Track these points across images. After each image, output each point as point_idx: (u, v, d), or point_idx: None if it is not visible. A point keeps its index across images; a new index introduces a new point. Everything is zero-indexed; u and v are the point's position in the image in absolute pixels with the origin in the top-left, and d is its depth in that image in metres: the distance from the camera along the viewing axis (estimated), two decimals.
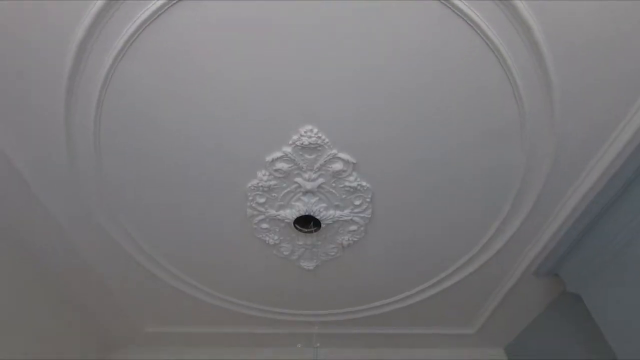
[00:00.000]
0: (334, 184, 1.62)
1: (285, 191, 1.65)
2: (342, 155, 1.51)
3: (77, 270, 2.13)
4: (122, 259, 2.04)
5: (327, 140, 1.45)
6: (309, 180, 1.59)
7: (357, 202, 1.71)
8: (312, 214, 1.71)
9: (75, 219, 1.80)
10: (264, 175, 1.59)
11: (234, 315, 2.54)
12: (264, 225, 1.83)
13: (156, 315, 2.61)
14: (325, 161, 1.52)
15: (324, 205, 1.71)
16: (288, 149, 1.49)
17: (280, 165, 1.54)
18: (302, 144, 1.45)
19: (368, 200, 1.70)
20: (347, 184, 1.62)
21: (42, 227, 1.84)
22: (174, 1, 1.10)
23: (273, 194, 1.67)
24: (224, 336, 2.78)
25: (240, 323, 2.65)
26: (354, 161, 1.53)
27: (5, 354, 1.89)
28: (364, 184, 1.63)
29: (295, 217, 1.72)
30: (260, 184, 1.62)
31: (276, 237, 1.90)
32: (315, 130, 1.43)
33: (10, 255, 1.90)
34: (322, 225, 1.78)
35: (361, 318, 2.57)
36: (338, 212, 1.75)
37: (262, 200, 1.69)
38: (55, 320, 2.28)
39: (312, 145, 1.45)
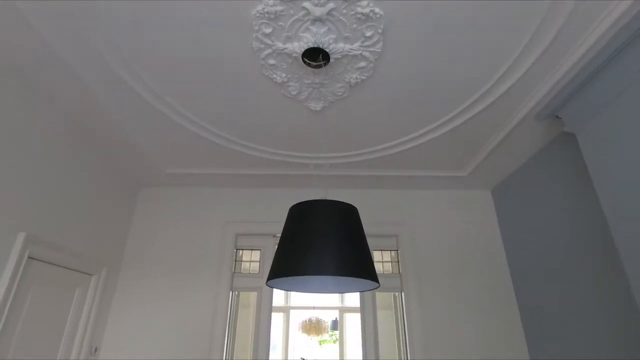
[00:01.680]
0: (344, 10, 1.51)
1: (293, 19, 1.55)
2: None
3: (98, 117, 2.22)
4: (135, 101, 2.08)
5: None
6: (317, 4, 1.48)
7: (368, 34, 1.62)
8: (320, 45, 1.64)
9: (88, 64, 1.78)
10: None
11: (246, 157, 2.74)
12: (271, 61, 1.80)
13: (175, 158, 2.82)
14: None
15: (333, 36, 1.63)
16: None
17: None
18: None
19: (380, 31, 1.61)
20: (359, 9, 1.50)
21: (63, 80, 1.90)
22: None
23: (280, 23, 1.58)
24: (236, 177, 3.07)
25: (251, 165, 2.88)
26: None
27: (46, 200, 2.12)
28: (376, 10, 1.51)
29: (303, 49, 1.67)
30: (266, 10, 1.51)
31: (284, 75, 1.89)
32: None
33: (33, 107, 1.94)
34: (331, 60, 1.74)
35: (364, 161, 2.77)
36: (347, 46, 1.69)
37: (269, 30, 1.61)
38: (86, 165, 2.48)
39: None
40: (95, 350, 2.67)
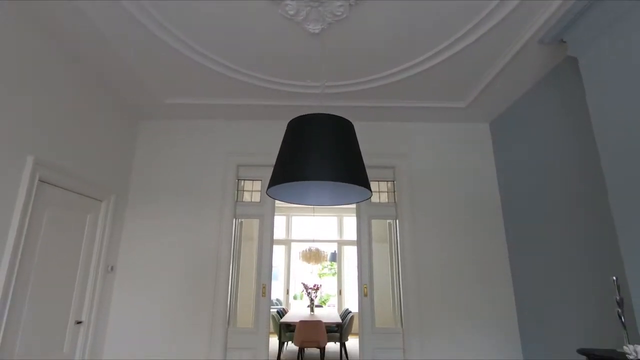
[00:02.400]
0: None
1: None
2: None
3: (97, 45, 2.19)
4: (132, 27, 2.02)
5: None
6: None
7: None
8: None
9: None
10: None
11: (243, 85, 2.72)
12: None
13: (173, 87, 2.80)
14: None
15: None
16: None
17: None
18: None
19: None
20: None
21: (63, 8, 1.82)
22: None
23: None
24: (235, 108, 3.07)
25: (249, 95, 2.87)
26: None
27: (51, 127, 2.15)
28: None
29: None
30: None
31: None
32: None
33: (34, 36, 1.88)
34: None
35: (363, 90, 2.75)
36: None
37: None
38: (87, 94, 2.48)
39: None
40: (112, 268, 2.90)
